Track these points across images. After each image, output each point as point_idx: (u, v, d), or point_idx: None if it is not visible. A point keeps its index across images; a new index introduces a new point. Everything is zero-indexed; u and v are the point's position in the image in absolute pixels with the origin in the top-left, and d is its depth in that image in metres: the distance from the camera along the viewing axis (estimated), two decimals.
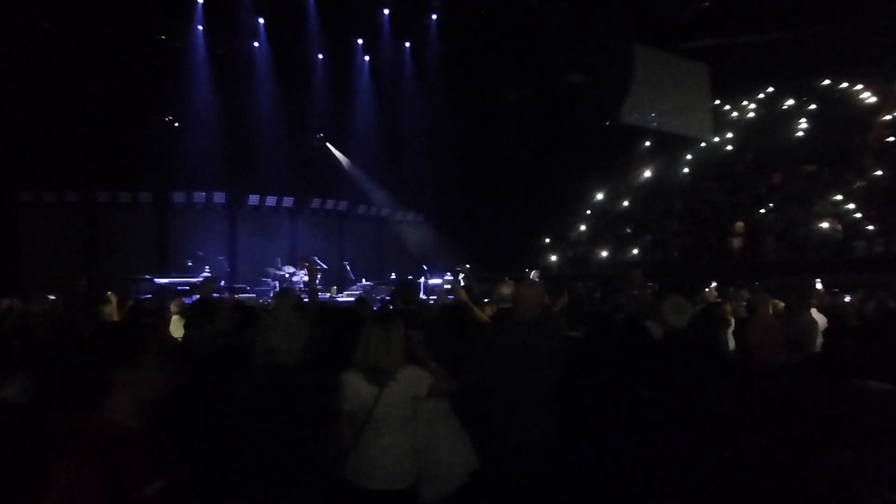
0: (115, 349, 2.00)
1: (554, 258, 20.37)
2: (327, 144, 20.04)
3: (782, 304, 7.08)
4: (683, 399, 3.82)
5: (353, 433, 3.20)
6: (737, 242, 17.07)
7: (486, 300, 6.98)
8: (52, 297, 9.44)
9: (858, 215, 15.75)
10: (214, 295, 8.29)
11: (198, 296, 6.97)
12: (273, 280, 15.84)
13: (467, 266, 16.41)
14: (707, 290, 10.87)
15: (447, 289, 10.98)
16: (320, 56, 18.19)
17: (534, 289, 4.03)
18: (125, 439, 1.86)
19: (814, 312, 6.88)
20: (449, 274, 16.80)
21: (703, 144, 21.23)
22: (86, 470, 1.74)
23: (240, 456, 2.88)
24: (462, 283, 13.82)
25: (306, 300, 7.90)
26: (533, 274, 19.03)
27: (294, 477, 2.91)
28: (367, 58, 18.98)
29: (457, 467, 3.43)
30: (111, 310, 6.41)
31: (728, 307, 6.94)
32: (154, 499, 1.81)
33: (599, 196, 22.02)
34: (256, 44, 17.25)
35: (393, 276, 18.18)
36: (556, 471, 3.79)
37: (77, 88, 14.36)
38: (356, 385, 3.22)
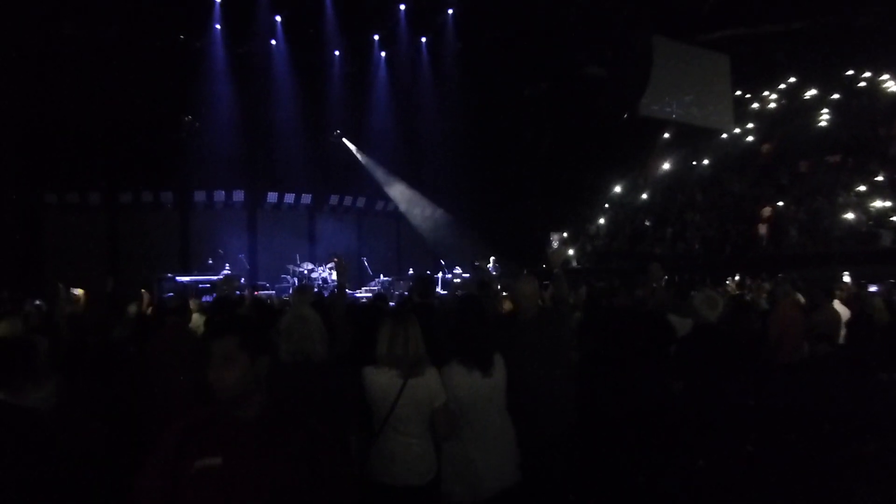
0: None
1: (571, 252, 20.29)
2: (343, 140, 20.10)
3: (801, 297, 6.99)
4: (714, 393, 3.80)
5: (375, 428, 3.22)
6: (763, 229, 16.85)
7: (504, 294, 6.96)
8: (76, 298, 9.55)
9: (884, 204, 15.49)
10: (236, 293, 8.34)
11: (216, 293, 7.03)
12: (292, 277, 15.95)
13: (492, 259, 16.45)
14: (728, 282, 10.78)
15: (457, 283, 11.00)
16: (337, 53, 18.24)
17: (529, 284, 4.02)
18: (214, 417, 2.08)
19: (838, 305, 6.78)
20: (458, 268, 16.86)
21: (724, 136, 21.01)
22: (167, 442, 2.00)
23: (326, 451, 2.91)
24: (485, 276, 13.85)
25: (327, 295, 7.95)
26: (555, 238, 19.08)
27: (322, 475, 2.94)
28: (383, 54, 19.00)
29: (489, 473, 3.33)
30: (137, 309, 6.49)
31: (749, 299, 6.87)
32: (201, 472, 1.96)
33: (618, 189, 21.87)
34: (274, 42, 17.33)
35: (411, 271, 18.23)
36: (576, 469, 3.79)
37: (98, 90, 14.52)
38: (379, 380, 3.23)
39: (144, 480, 1.98)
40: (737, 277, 11.25)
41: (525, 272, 4.39)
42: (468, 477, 3.30)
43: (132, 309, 6.43)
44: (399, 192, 20.90)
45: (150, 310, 6.55)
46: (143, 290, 7.08)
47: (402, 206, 21.23)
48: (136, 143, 15.73)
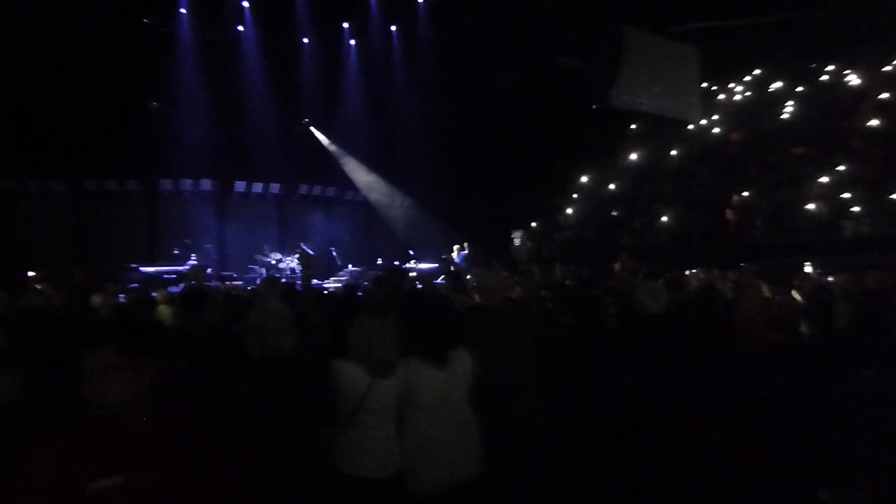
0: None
1: (529, 244, 20.38)
2: (311, 129, 19.89)
3: (766, 287, 7.14)
4: (666, 384, 3.87)
5: (344, 421, 3.23)
6: (730, 214, 17.11)
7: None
8: (40, 288, 9.36)
9: (847, 196, 15.85)
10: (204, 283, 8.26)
11: (184, 284, 6.94)
12: (261, 267, 15.83)
13: (464, 246, 16.45)
14: (691, 272, 10.94)
15: (413, 276, 11.01)
16: (306, 40, 18.05)
17: (495, 277, 4.06)
18: (104, 432, 1.86)
19: (799, 295, 6.94)
20: (414, 260, 16.86)
21: (692, 127, 21.26)
22: (45, 459, 1.76)
23: (241, 448, 2.90)
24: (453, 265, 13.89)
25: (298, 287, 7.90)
26: (517, 236, 19.19)
27: (291, 467, 2.95)
28: (353, 42, 18.85)
29: (448, 465, 3.36)
30: (101, 301, 6.38)
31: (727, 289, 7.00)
32: (99, 495, 1.77)
33: (587, 179, 22.01)
34: (242, 28, 17.08)
35: (380, 261, 18.19)
36: (548, 459, 3.84)
37: (61, 74, 14.17)
38: (350, 374, 3.24)
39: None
40: (694, 271, 11.42)
41: (494, 263, 4.41)
42: (427, 468, 3.32)
43: (96, 300, 6.34)
44: (367, 182, 20.77)
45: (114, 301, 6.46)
46: (107, 283, 6.98)
47: (371, 196, 21.13)
48: (101, 130, 15.38)
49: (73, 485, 1.74)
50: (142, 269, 14.21)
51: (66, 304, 6.43)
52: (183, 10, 16.06)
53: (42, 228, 16.18)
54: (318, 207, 20.88)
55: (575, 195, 21.82)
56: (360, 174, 20.56)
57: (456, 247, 16.61)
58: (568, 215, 21.41)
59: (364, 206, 21.74)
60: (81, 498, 1.74)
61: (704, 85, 20.89)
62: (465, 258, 15.79)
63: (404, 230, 20.92)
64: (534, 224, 20.99)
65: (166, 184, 17.87)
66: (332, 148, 20.17)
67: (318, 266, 16.96)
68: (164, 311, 6.04)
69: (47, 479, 1.74)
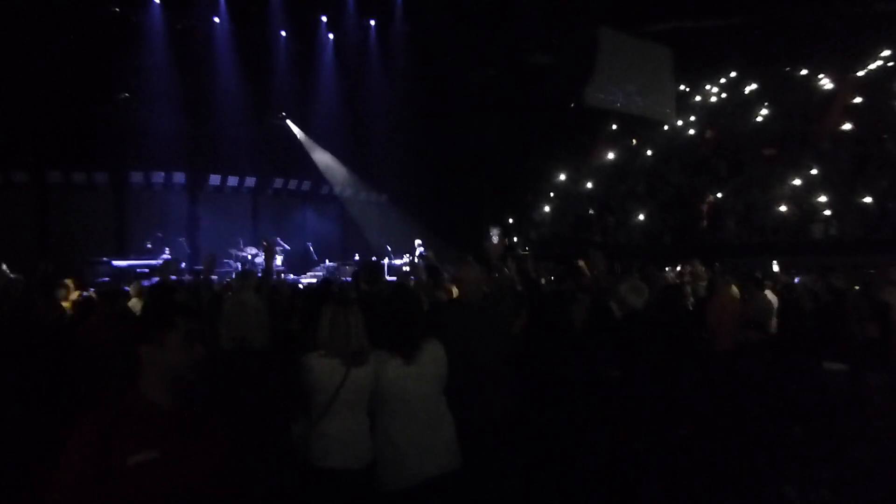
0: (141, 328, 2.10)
1: (516, 239, 20.50)
2: (287, 122, 19.71)
3: (736, 287, 7.24)
4: (644, 377, 3.90)
5: (316, 414, 3.23)
6: (705, 209, 17.39)
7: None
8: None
9: (817, 199, 16.14)
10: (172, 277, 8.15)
11: (157, 278, 6.85)
12: (235, 261, 15.68)
13: (419, 242, 16.45)
14: (667, 270, 11.06)
15: (406, 270, 11.02)
16: (283, 33, 17.88)
17: (472, 270, 4.10)
18: (151, 411, 1.97)
19: (769, 294, 7.06)
20: (408, 255, 16.83)
21: (666, 127, 21.49)
22: (89, 434, 1.85)
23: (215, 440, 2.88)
24: (422, 262, 13.87)
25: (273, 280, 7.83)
26: (495, 233, 19.26)
27: (262, 461, 2.95)
28: (331, 35, 18.71)
29: (420, 459, 3.36)
30: (64, 293, 6.29)
31: (688, 288, 7.09)
32: (138, 468, 1.86)
33: (563, 177, 22.14)
34: (217, 19, 16.86)
35: (356, 256, 18.10)
36: (517, 448, 3.86)
37: (27, 62, 13.83)
38: (321, 367, 3.24)
39: (67, 479, 1.82)
40: (677, 268, 11.54)
41: (470, 258, 4.43)
42: (398, 463, 3.33)
43: (59, 293, 6.25)
44: (338, 176, 20.59)
45: (77, 295, 6.36)
46: (66, 280, 6.85)
47: (341, 191, 20.94)
48: (67, 120, 15.04)
49: (114, 458, 1.83)
50: (114, 262, 13.97)
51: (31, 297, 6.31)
52: (156, 0, 15.81)
53: (4, 221, 15.76)
54: (294, 202, 20.70)
55: (551, 193, 21.95)
56: (332, 168, 20.38)
57: (417, 242, 16.57)
58: (543, 212, 21.54)
59: (340, 201, 21.59)
60: (122, 470, 1.83)
61: (680, 87, 21.14)
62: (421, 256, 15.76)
63: (374, 226, 20.79)
64: (510, 220, 21.08)
65: (137, 176, 17.53)
66: (305, 141, 19.98)
67: (294, 261, 16.84)
68: (136, 304, 5.97)
69: (90, 454, 1.82)
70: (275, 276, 4.59)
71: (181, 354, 2.03)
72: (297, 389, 3.26)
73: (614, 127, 22.34)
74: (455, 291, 5.98)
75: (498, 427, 3.77)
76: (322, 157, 19.99)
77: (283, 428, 3.19)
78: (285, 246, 16.03)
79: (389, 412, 3.38)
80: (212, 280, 5.50)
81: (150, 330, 2.05)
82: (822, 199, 16.03)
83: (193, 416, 2.07)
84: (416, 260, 15.62)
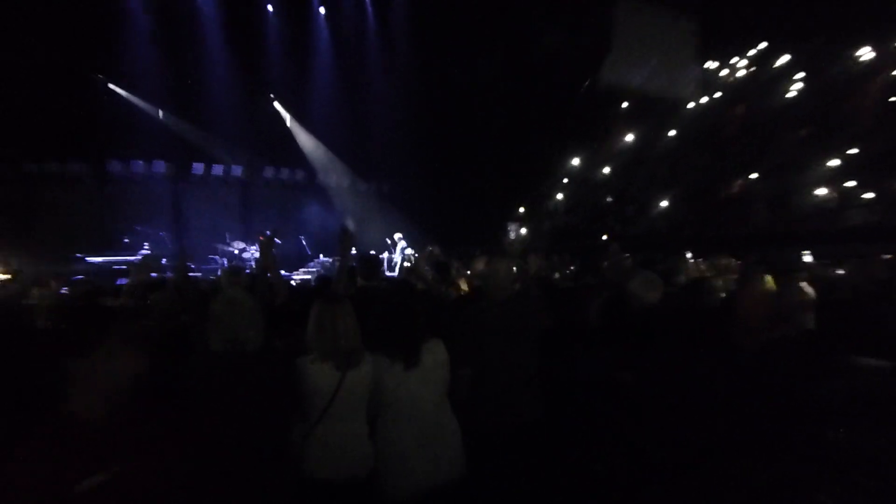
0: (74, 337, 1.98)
1: (524, 231, 20.45)
2: (275, 104, 19.64)
3: (770, 278, 7.19)
4: (659, 380, 3.87)
5: (312, 420, 3.25)
6: (733, 194, 17.32)
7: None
8: None
9: (853, 183, 16.02)
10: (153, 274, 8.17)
11: (135, 276, 6.84)
12: (222, 257, 15.69)
13: (399, 235, 16.41)
14: (691, 261, 11.00)
15: (408, 266, 11.02)
16: (270, 8, 17.83)
17: (503, 265, 4.09)
18: (80, 431, 1.89)
19: (805, 286, 7.00)
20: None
21: (690, 106, 21.36)
22: (28, 461, 1.78)
23: (202, 448, 2.88)
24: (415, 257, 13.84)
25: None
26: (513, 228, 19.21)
27: (259, 470, 2.98)
28: (322, 10, 18.63)
29: (422, 467, 3.37)
30: (40, 294, 6.32)
31: (720, 281, 7.04)
32: (89, 494, 1.80)
33: (576, 162, 22.03)
34: None
35: (353, 251, 18.06)
36: (546, 455, 3.84)
37: None
38: (314, 371, 3.25)
39: None
40: (690, 256, 11.50)
41: (484, 253, 4.45)
42: (400, 471, 3.34)
43: (35, 293, 6.27)
44: (326, 163, 20.51)
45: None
46: (46, 278, 6.89)
47: (332, 180, 20.85)
48: (42, 107, 15.05)
49: (57, 489, 1.76)
50: (88, 259, 14.00)
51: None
52: None
53: None
54: (286, 192, 20.69)
55: (565, 180, 21.86)
56: (317, 154, 20.28)
57: (397, 235, 16.54)
58: (557, 201, 21.47)
59: (337, 191, 21.50)
60: (69, 501, 1.77)
61: (704, 61, 21.01)
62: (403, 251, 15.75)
63: (360, 218, 20.68)
64: (521, 210, 21.03)
65: (116, 166, 17.56)
66: (292, 125, 19.90)
67: (285, 256, 16.84)
68: (111, 304, 5.95)
69: (29, 490, 1.74)
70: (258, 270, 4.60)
71: (117, 365, 1.98)
72: (294, 394, 3.28)
73: (633, 107, 22.22)
74: (465, 288, 5.99)
75: (523, 436, 3.77)
76: (308, 143, 19.92)
77: (278, 435, 3.21)
78: (276, 240, 16.02)
79: (390, 418, 3.40)
80: (193, 276, 5.50)
81: (81, 340, 1.99)
82: (861, 182, 15.92)
83: (138, 432, 2.01)
84: (394, 257, 15.60)
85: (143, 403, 2.16)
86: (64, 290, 7.18)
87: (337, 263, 5.56)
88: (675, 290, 5.50)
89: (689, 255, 12.08)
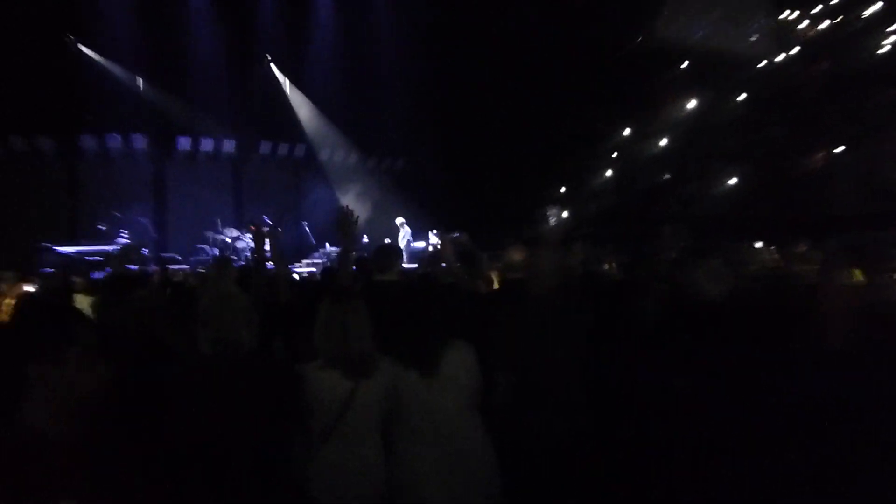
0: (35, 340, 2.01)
1: (565, 214, 20.32)
2: (272, 66, 19.62)
3: (859, 270, 7.09)
4: (729, 386, 3.82)
5: (319, 437, 3.27)
6: (814, 169, 17.09)
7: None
8: None
9: None
10: (132, 267, 8.27)
11: (111, 269, 6.94)
12: (212, 247, 15.80)
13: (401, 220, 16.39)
14: (760, 248, 10.91)
15: (431, 254, 11.03)
16: None
17: (546, 255, 4.07)
18: (41, 450, 1.87)
19: None
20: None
21: (762, 65, 21.09)
22: None
23: (189, 467, 2.89)
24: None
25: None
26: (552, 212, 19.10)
27: (253, 497, 2.99)
28: None
29: (443, 492, 3.36)
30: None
31: (798, 273, 6.97)
32: None
33: (627, 133, 21.82)
34: None
35: (365, 239, 18.07)
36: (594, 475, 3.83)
37: None
38: (327, 379, 3.23)
39: None
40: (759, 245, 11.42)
41: (518, 241, 4.43)
42: (421, 499, 3.33)
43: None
44: (335, 140, 20.49)
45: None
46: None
47: (336, 156, 20.81)
48: (3, 74, 15.20)
49: None
50: (58, 249, 14.15)
51: None
52: None
53: None
54: (286, 171, 20.75)
55: (614, 154, 21.69)
56: (320, 127, 20.24)
57: (399, 220, 16.51)
58: (604, 179, 21.32)
59: (343, 168, 21.47)
60: None
61: (779, 11, 20.73)
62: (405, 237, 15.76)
63: (366, 199, 20.62)
64: (562, 189, 20.92)
65: (88, 141, 17.69)
66: (290, 92, 19.90)
67: (285, 245, 16.89)
68: (82, 300, 6.02)
69: None
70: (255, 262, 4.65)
71: (84, 373, 1.97)
72: (297, 405, 3.29)
73: (694, 67, 21.97)
74: (496, 282, 5.97)
75: (567, 452, 3.75)
76: (309, 113, 19.93)
77: (277, 456, 3.19)
78: (279, 229, 16.08)
79: (408, 436, 3.39)
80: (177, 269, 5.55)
81: (45, 342, 1.97)
82: None
83: (110, 452, 2.03)
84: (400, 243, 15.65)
85: (117, 417, 2.19)
86: (29, 288, 7.29)
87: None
88: (745, 283, 5.44)
89: (758, 242, 12.00)
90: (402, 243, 15.84)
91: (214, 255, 14.91)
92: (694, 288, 4.44)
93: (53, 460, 1.87)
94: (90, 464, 1.94)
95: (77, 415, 1.97)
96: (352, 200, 19.93)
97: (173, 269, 13.03)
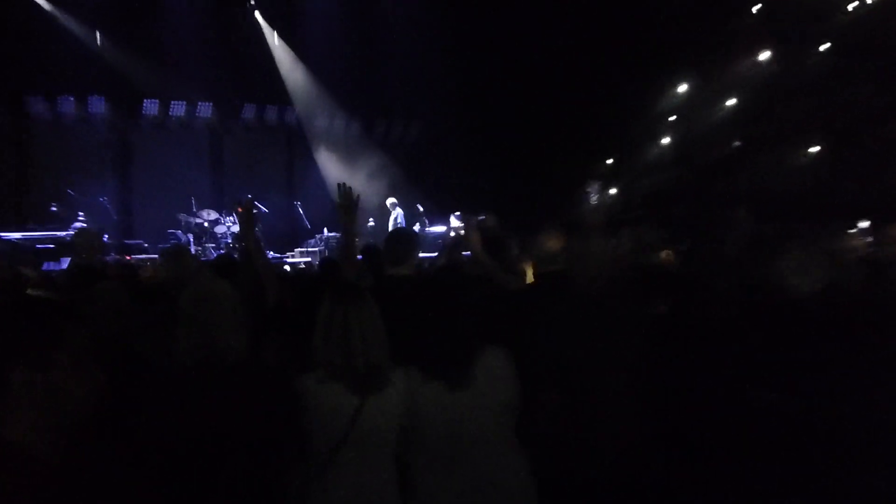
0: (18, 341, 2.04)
1: (612, 192, 20.30)
2: (256, 15, 19.62)
3: None
4: (831, 401, 3.78)
5: (319, 460, 3.26)
6: None
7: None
8: None
9: None
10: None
11: (69, 258, 6.97)
12: (185, 232, 15.87)
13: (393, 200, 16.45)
14: (853, 231, 10.86)
15: (453, 241, 11.05)
16: None
17: (594, 243, 4.05)
18: (21, 467, 1.91)
19: None
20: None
21: (850, 7, 20.93)
22: None
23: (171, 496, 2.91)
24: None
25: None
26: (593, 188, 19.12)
27: None
28: None
29: None
30: None
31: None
32: None
33: (685, 89, 21.68)
34: None
35: (371, 222, 18.10)
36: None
37: None
38: (329, 394, 3.25)
39: None
40: (864, 225, 11.39)
41: (556, 226, 4.40)
42: None
43: None
44: (327, 100, 20.50)
45: None
46: None
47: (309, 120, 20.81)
48: None
49: None
50: (3, 235, 14.25)
51: None
52: None
53: None
54: (275, 139, 20.80)
55: (671, 118, 21.60)
56: (314, 88, 20.25)
57: (390, 200, 16.57)
58: (660, 149, 21.27)
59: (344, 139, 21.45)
60: None
61: None
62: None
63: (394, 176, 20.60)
64: (608, 162, 20.87)
65: (40, 104, 17.79)
66: (279, 46, 19.90)
67: (275, 231, 16.97)
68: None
69: None
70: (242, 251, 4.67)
71: (74, 381, 2.01)
72: (292, 425, 3.29)
73: (768, 11, 21.84)
74: (530, 275, 5.94)
75: (619, 487, 3.72)
76: (299, 71, 19.95)
77: (270, 481, 3.20)
78: (262, 208, 16.14)
79: (428, 463, 3.39)
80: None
81: (30, 344, 2.01)
82: None
83: (93, 469, 2.06)
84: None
85: (89, 437, 2.19)
86: None
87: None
88: (844, 275, 5.39)
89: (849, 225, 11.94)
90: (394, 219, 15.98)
91: (190, 241, 14.99)
92: (779, 282, 4.40)
93: (35, 480, 1.91)
94: (77, 484, 1.99)
95: (64, 428, 2.01)
96: (361, 179, 20.06)
97: (140, 259, 13.11)
